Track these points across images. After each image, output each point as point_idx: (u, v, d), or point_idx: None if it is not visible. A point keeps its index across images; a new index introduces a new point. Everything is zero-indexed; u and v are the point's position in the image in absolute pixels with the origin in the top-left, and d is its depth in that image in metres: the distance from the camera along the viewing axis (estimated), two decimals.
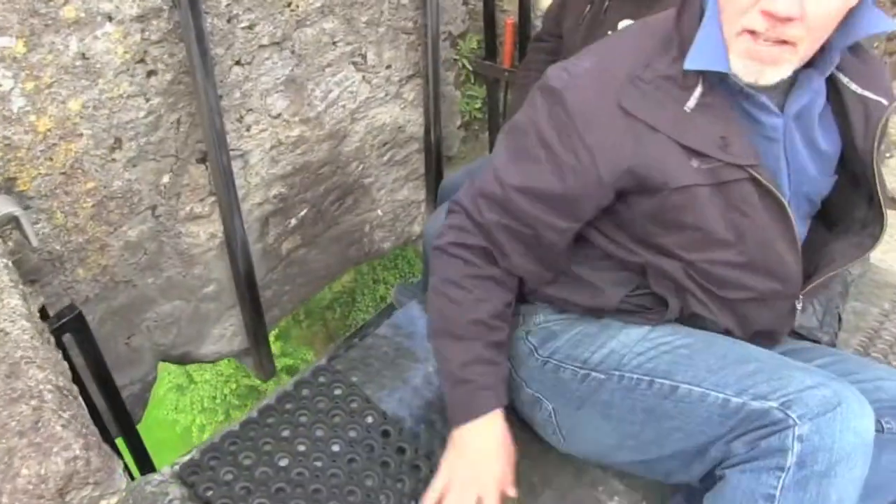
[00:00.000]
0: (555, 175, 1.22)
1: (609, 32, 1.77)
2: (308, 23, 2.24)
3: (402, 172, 2.91)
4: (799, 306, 1.34)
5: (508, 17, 2.62)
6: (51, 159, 1.84)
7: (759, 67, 1.13)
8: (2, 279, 1.35)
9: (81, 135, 1.87)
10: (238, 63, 2.13)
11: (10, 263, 1.43)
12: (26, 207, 1.85)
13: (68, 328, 1.57)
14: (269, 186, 2.42)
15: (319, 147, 2.50)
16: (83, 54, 1.78)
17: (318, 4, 2.23)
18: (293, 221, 2.58)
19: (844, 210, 1.34)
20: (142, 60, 1.90)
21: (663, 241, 1.26)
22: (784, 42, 1.10)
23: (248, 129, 2.26)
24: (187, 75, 1.99)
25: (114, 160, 1.97)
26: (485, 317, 1.30)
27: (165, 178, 2.13)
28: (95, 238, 2.05)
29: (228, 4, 2.01)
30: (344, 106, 2.50)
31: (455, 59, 2.83)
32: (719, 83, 1.19)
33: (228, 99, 2.15)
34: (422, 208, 3.11)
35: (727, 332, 1.33)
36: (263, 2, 2.09)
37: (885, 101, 1.24)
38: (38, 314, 1.50)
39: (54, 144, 1.83)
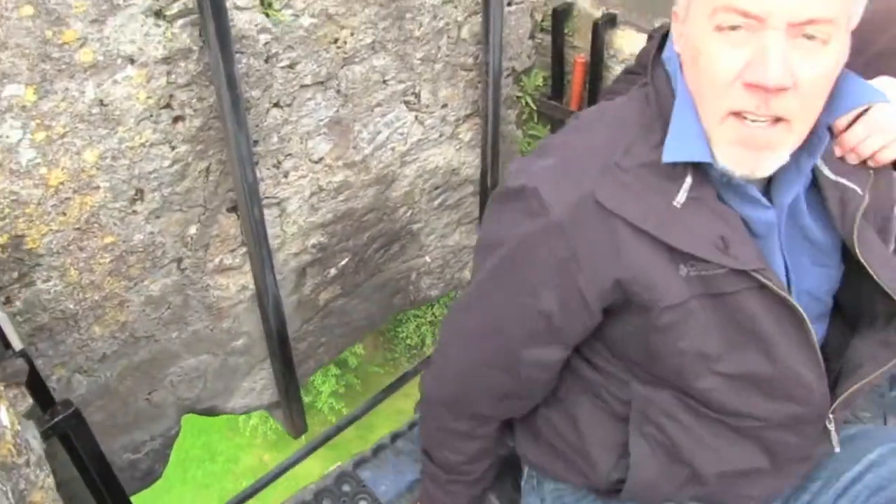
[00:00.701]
0: (533, 297, 1.07)
1: None
2: (356, 60, 2.02)
3: (454, 217, 2.68)
4: (831, 426, 1.13)
5: (579, 55, 2.36)
6: (64, 214, 1.66)
7: (755, 155, 0.97)
8: None
9: (98, 187, 1.68)
10: (277, 105, 1.92)
11: None
12: (36, 265, 1.68)
13: (64, 427, 1.38)
14: (307, 236, 2.21)
15: (365, 193, 2.28)
16: (101, 101, 1.59)
17: (368, 41, 2.01)
18: (332, 271, 2.37)
19: (861, 304, 1.14)
20: (167, 105, 1.71)
21: (654, 370, 1.10)
22: (778, 120, 0.93)
23: (285, 176, 2.05)
24: (218, 120, 1.79)
25: (134, 212, 1.78)
26: (462, 460, 1.33)
27: (192, 230, 1.93)
28: (113, 294, 1.87)
29: (267, 43, 1.80)
30: (393, 148, 2.28)
31: (518, 97, 2.58)
32: (708, 173, 1.02)
33: (265, 144, 1.95)
34: None
35: (755, 471, 1.15)
36: (306, 39, 1.88)
37: (859, 191, 1.07)
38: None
39: (67, 198, 1.64)
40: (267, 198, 2.02)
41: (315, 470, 3.14)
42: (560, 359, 1.15)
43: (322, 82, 1.98)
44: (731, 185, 1.01)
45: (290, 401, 2.48)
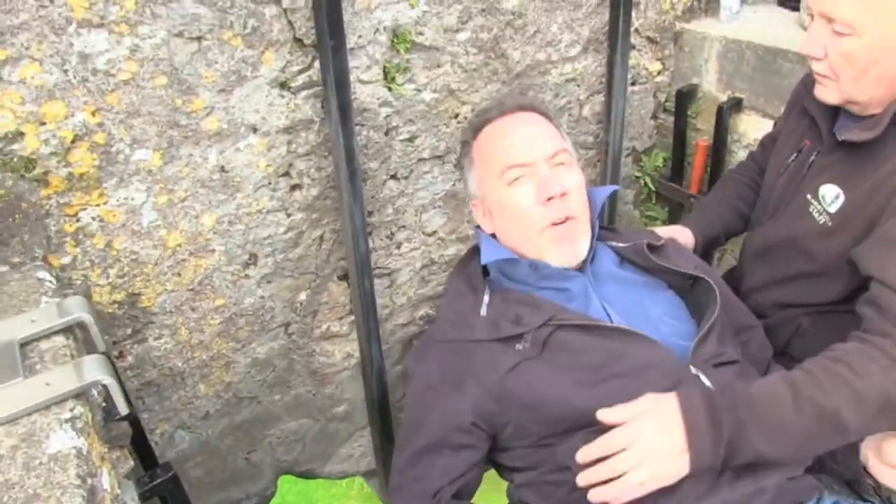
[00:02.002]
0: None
1: (808, 196, 1.56)
2: None
3: None
4: (698, 373, 1.38)
5: (702, 138, 2.24)
6: (179, 275, 1.69)
7: (572, 247, 1.48)
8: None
9: (213, 250, 1.71)
10: (394, 177, 1.91)
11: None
12: (149, 322, 1.72)
13: (162, 490, 1.37)
14: (415, 307, 2.17)
15: None
16: (222, 167, 1.63)
17: None
18: None
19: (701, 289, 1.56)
20: (286, 174, 1.73)
21: (546, 428, 1.38)
22: (569, 217, 1.46)
23: (398, 247, 2.03)
24: (334, 189, 1.80)
25: (247, 276, 1.80)
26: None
27: (302, 296, 1.94)
28: (221, 355, 1.89)
29: (388, 116, 1.80)
30: None
31: (637, 177, 2.48)
32: (502, 282, 1.55)
33: (379, 215, 1.94)
34: None
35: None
36: (427, 113, 1.87)
37: (638, 241, 1.59)
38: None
39: (183, 260, 1.68)
40: (378, 268, 2.01)
41: None
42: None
43: (440, 156, 1.96)
44: (545, 275, 1.48)
45: (387, 470, 2.43)
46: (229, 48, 1.51)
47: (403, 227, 2.01)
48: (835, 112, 1.53)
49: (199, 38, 1.47)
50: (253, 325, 1.89)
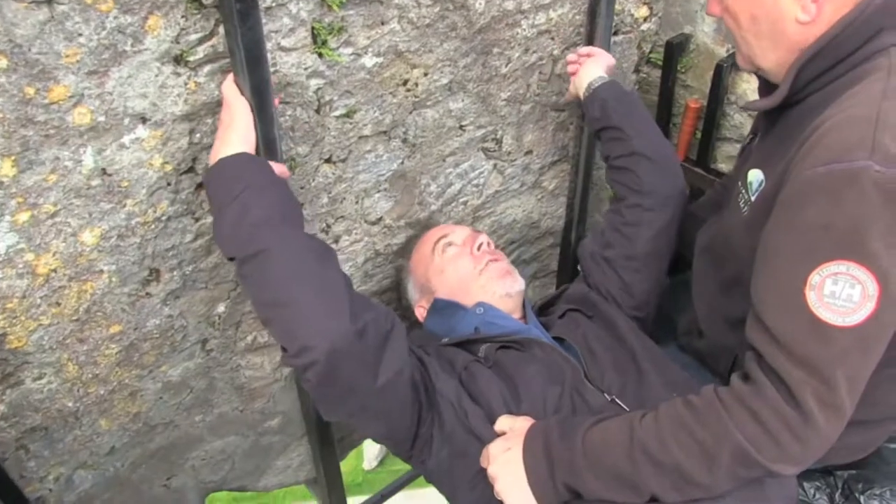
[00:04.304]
0: None
1: (739, 183, 1.35)
2: (429, 104, 1.63)
3: (529, 271, 2.29)
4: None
5: (692, 98, 1.92)
6: (58, 304, 1.32)
7: (510, 280, 1.65)
8: None
9: (101, 272, 1.34)
10: (328, 161, 1.55)
11: None
12: (24, 363, 1.35)
13: None
14: None
15: None
16: (103, 170, 1.23)
17: (444, 81, 1.61)
18: None
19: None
20: (190, 170, 1.35)
21: None
22: (496, 259, 1.68)
23: (335, 241, 1.68)
24: None
25: (148, 295, 1.44)
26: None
27: (220, 308, 1.58)
28: (123, 385, 1.54)
29: (319, 90, 1.42)
30: (466, 202, 1.89)
31: None
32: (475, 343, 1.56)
33: (311, 207, 1.58)
34: None
35: None
36: (369, 82, 1.49)
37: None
38: None
39: (61, 287, 1.30)
40: None
41: None
42: None
43: (385, 132, 1.60)
44: (499, 326, 1.57)
45: (329, 477, 2.15)
46: (97, 14, 1.09)
47: (342, 217, 1.66)
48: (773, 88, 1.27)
49: (49, 2, 1.05)
50: (161, 348, 1.54)
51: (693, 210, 1.73)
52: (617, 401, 1.41)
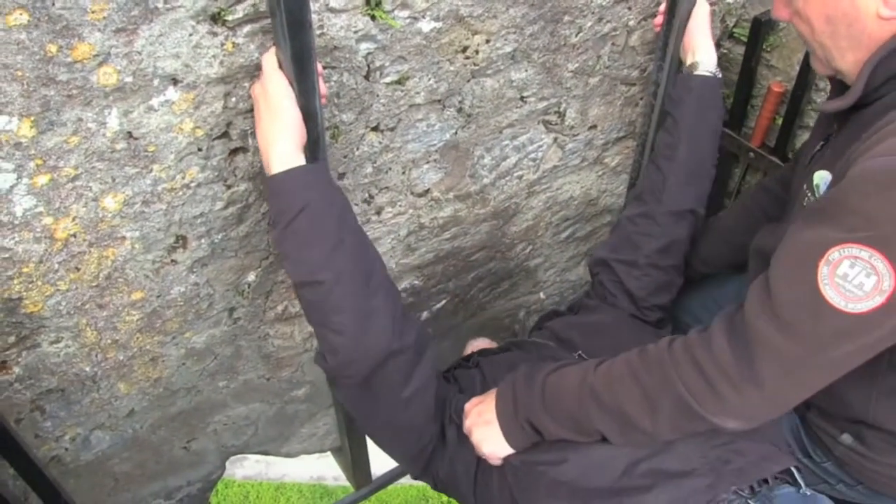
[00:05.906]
0: None
1: (804, 187, 1.28)
2: (489, 72, 1.48)
3: (582, 249, 2.15)
4: None
5: (775, 81, 1.74)
6: (77, 269, 1.23)
7: None
8: None
9: (123, 238, 1.24)
10: (375, 129, 1.42)
11: None
12: (40, 327, 1.27)
13: None
14: (398, 279, 1.74)
15: (477, 229, 1.78)
16: (129, 133, 1.13)
17: (507, 49, 1.46)
18: (425, 314, 1.91)
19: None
20: (224, 135, 1.23)
21: None
22: None
23: (378, 213, 1.57)
24: None
25: (174, 262, 1.35)
26: None
27: (251, 276, 1.49)
28: (144, 351, 1.46)
29: (369, 54, 1.28)
30: (521, 177, 1.75)
31: None
32: None
33: (354, 176, 1.46)
34: None
35: None
36: (426, 48, 1.34)
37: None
38: None
39: (81, 253, 1.21)
40: None
41: None
42: None
43: (439, 100, 1.46)
44: None
45: (353, 446, 2.09)
46: None
47: (386, 188, 1.54)
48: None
49: None
50: (185, 315, 1.46)
51: (712, 224, 1.74)
52: None
